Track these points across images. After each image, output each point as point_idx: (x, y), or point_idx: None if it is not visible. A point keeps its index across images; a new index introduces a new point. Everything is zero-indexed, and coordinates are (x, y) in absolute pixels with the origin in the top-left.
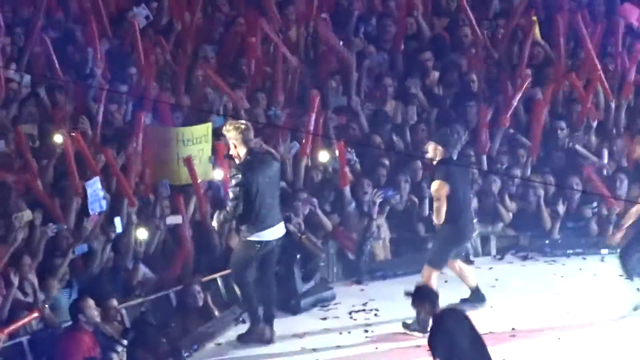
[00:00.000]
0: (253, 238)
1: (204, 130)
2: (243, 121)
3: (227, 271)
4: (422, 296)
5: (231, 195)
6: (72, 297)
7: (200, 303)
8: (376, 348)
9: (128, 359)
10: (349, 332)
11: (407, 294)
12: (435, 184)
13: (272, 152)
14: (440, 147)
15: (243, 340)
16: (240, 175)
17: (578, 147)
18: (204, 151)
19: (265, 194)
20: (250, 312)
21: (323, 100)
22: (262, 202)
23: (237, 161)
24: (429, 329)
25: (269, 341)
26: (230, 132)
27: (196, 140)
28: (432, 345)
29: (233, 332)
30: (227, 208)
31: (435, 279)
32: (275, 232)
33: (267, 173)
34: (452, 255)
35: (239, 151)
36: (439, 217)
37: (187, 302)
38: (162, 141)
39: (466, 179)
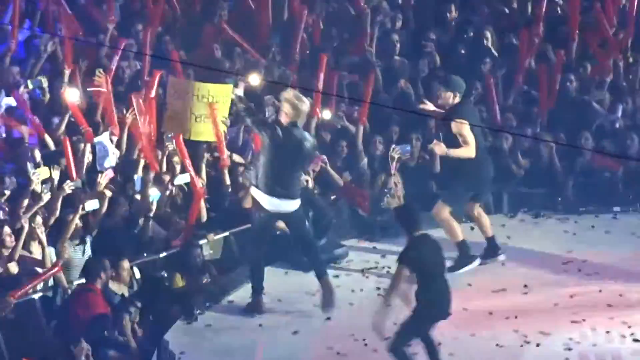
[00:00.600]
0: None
1: (224, 90)
2: (303, 99)
3: (240, 228)
4: (401, 215)
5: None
6: (85, 255)
7: (199, 262)
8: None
9: (140, 319)
10: (361, 290)
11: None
12: (455, 125)
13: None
14: (452, 93)
15: (250, 309)
16: (269, 140)
17: (593, 103)
18: (220, 111)
19: (286, 166)
20: (257, 282)
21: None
22: (279, 172)
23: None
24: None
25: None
26: (285, 103)
27: (212, 98)
28: (402, 259)
29: (245, 291)
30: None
31: (444, 214)
32: (278, 204)
33: (296, 148)
34: (468, 198)
35: (283, 119)
36: (469, 149)
37: (188, 261)
38: (177, 93)
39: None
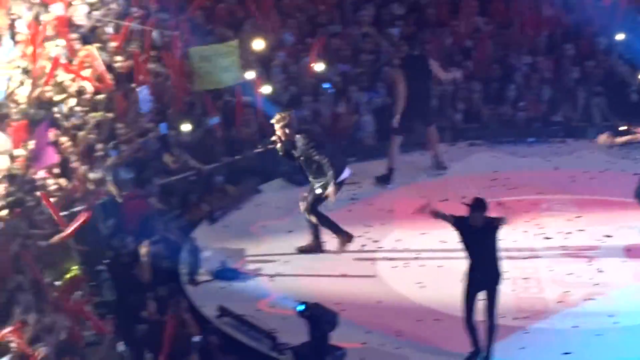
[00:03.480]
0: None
1: (233, 45)
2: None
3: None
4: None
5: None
6: (129, 174)
7: (220, 182)
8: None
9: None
10: (340, 200)
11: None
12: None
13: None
14: None
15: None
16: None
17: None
18: (234, 62)
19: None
20: (334, 229)
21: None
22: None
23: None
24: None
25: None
26: (278, 124)
27: (228, 54)
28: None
29: (253, 202)
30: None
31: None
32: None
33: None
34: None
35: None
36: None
37: (211, 182)
38: (203, 57)
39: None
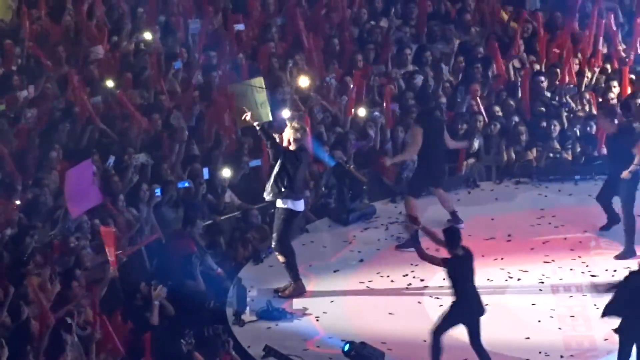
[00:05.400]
0: (285, 206)
1: (261, 81)
2: (300, 125)
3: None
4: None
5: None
6: (173, 214)
7: (258, 222)
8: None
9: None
10: (386, 239)
11: None
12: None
13: (306, 149)
14: None
15: (281, 293)
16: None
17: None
18: (264, 96)
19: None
20: (292, 274)
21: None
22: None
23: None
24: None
25: (305, 292)
26: (289, 129)
27: (260, 89)
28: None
29: (300, 241)
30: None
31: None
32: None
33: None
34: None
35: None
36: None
37: (250, 221)
38: (241, 92)
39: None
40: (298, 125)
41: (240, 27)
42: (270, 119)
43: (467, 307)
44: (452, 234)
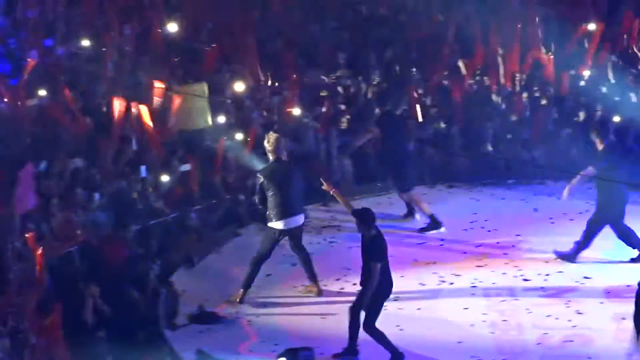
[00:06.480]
0: (273, 225)
1: (203, 87)
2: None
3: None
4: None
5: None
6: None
7: (196, 224)
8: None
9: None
10: (318, 243)
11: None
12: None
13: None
14: None
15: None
16: (260, 178)
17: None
18: (205, 104)
19: (285, 191)
20: (246, 284)
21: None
22: (284, 196)
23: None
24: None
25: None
26: (268, 141)
27: (202, 95)
28: (375, 251)
29: (232, 244)
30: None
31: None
32: (293, 221)
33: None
34: None
35: (270, 156)
36: None
37: (186, 224)
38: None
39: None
40: (266, 137)
41: None
42: (210, 124)
43: (378, 287)
44: (364, 215)
